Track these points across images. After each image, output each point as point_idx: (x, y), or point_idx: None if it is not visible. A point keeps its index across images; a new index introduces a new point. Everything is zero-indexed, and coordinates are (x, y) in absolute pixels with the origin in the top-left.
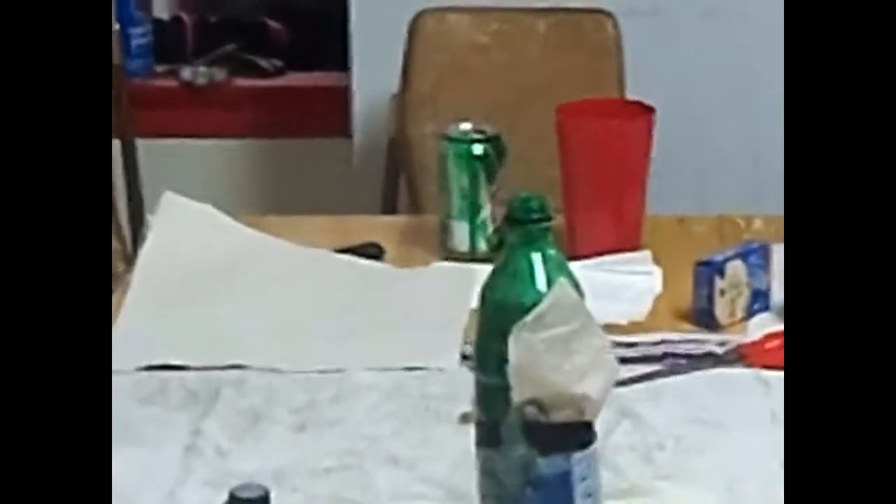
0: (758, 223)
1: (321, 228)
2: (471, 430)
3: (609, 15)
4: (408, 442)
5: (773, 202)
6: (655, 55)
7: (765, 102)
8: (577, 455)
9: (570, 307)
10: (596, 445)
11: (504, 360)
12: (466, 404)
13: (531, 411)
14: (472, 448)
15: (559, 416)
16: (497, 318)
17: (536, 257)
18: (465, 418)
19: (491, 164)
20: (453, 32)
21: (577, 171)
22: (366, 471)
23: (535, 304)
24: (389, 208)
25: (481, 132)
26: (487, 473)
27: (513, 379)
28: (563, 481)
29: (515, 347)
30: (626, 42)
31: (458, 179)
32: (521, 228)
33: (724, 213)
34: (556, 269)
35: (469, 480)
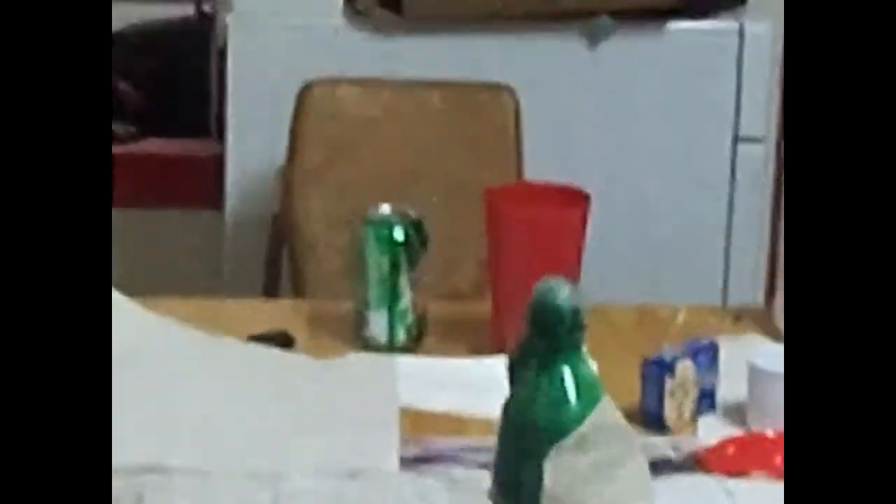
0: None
1: (221, 313)
2: None
3: (508, 89)
4: None
5: (658, 286)
6: (548, 131)
7: (656, 187)
8: None
9: (614, 428)
10: None
11: (529, 485)
12: None
13: None
14: None
15: None
16: (522, 440)
17: (567, 371)
18: None
19: (413, 250)
20: (343, 104)
21: (509, 261)
22: None
23: (566, 425)
24: (271, 289)
25: (403, 215)
26: None
27: None
28: None
29: (554, 472)
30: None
31: (378, 265)
32: (551, 338)
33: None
34: (589, 384)
35: None
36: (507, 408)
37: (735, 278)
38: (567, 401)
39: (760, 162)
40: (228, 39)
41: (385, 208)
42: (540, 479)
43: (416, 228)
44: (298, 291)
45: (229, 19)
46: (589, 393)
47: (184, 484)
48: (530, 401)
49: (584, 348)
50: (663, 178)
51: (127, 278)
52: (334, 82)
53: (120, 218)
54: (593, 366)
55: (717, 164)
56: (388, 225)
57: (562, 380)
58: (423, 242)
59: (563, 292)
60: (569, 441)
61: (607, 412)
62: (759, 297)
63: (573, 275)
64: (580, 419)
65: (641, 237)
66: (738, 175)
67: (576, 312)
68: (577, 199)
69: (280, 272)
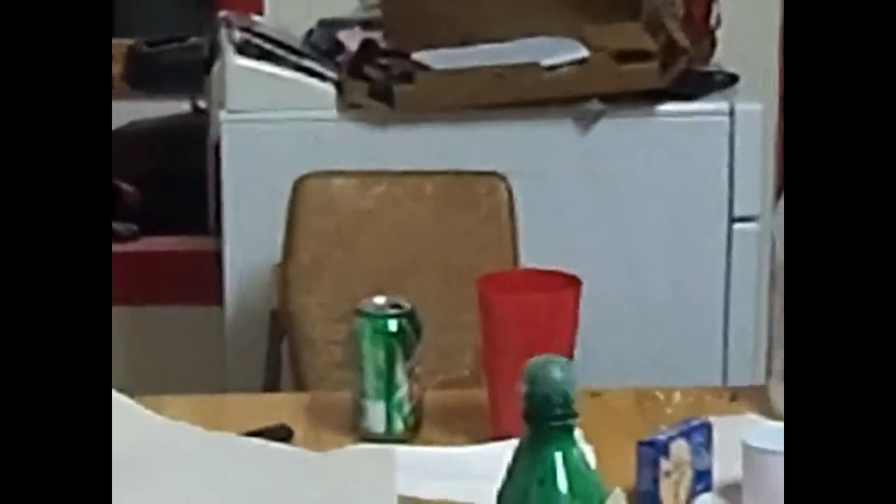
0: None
1: (221, 408)
2: None
3: (501, 177)
4: None
5: (658, 370)
6: (542, 218)
7: (652, 271)
8: None
9: None
10: None
11: None
12: None
13: None
14: None
15: None
16: None
17: (558, 457)
18: None
19: (408, 340)
20: (338, 197)
21: (503, 347)
22: None
23: None
24: (272, 384)
25: (397, 306)
26: None
27: None
28: None
29: None
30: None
31: (374, 357)
32: (542, 426)
33: (605, 383)
34: (579, 470)
35: None
36: (501, 496)
37: (735, 358)
38: (557, 488)
39: (756, 240)
40: (222, 135)
41: (379, 300)
42: None
43: (409, 319)
44: (299, 384)
45: (222, 115)
46: (581, 479)
47: None
48: (522, 488)
49: (579, 433)
50: (659, 260)
51: (129, 376)
52: (328, 175)
53: (121, 316)
54: (589, 450)
55: (713, 244)
56: (382, 317)
57: (553, 467)
58: (418, 332)
59: (555, 369)
60: None
61: None
62: (760, 376)
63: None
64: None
65: (639, 320)
66: (734, 254)
67: (567, 400)
68: (568, 284)
69: (280, 366)
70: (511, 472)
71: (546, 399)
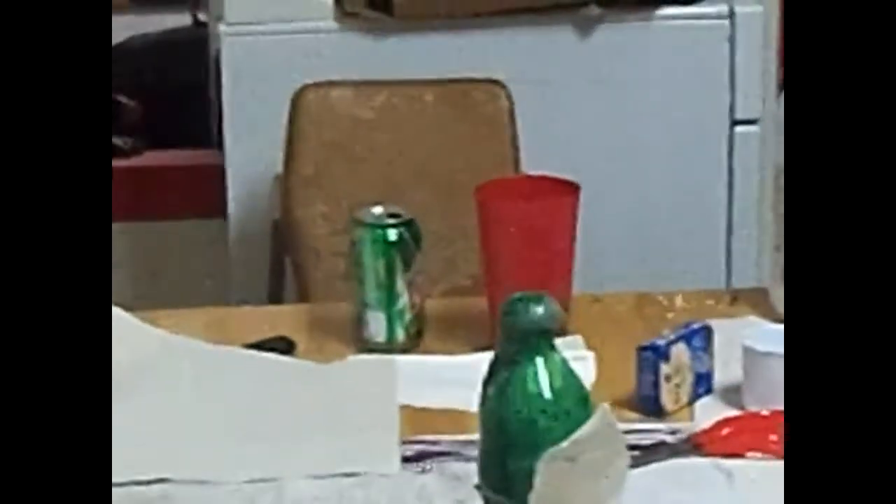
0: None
1: (223, 321)
2: None
3: (501, 85)
4: None
5: (662, 275)
6: (543, 125)
7: (654, 176)
8: None
9: (608, 433)
10: None
11: (507, 476)
12: None
13: None
14: None
15: None
16: (499, 433)
17: (540, 363)
18: None
19: (407, 250)
20: (338, 107)
21: (502, 254)
22: None
23: (537, 416)
24: (276, 296)
25: (396, 216)
26: None
27: None
28: None
29: (546, 475)
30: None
31: (373, 267)
32: (521, 334)
33: (609, 288)
34: (560, 375)
35: None
36: (483, 399)
37: (738, 261)
38: (541, 393)
39: (757, 143)
40: (221, 48)
41: (377, 210)
42: (526, 474)
43: (408, 228)
44: (303, 296)
45: (221, 27)
46: (566, 383)
47: (185, 495)
48: (504, 395)
49: (580, 339)
50: (661, 164)
51: (133, 291)
52: (327, 85)
53: (124, 231)
54: (590, 355)
55: (714, 147)
56: (380, 226)
57: (535, 372)
58: (417, 241)
59: (533, 298)
60: (564, 446)
61: (604, 418)
62: (764, 279)
63: (566, 265)
64: (556, 412)
65: (641, 225)
66: (736, 158)
67: (550, 311)
68: (566, 190)
69: (284, 278)
70: (494, 379)
71: (525, 310)
